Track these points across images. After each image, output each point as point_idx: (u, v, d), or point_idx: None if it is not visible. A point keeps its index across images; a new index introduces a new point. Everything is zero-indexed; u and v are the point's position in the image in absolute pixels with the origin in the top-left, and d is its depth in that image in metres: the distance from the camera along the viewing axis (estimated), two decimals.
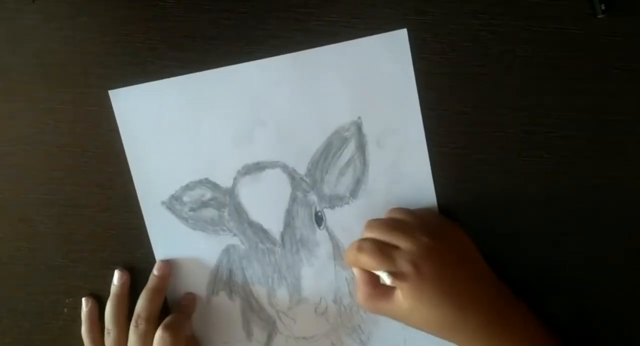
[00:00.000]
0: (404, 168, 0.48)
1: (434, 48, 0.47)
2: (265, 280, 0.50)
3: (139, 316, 0.47)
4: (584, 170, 0.47)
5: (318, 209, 0.49)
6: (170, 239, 0.49)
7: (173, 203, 0.49)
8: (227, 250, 0.50)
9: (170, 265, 0.49)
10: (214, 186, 0.49)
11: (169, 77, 0.48)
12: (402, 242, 0.42)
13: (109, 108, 0.49)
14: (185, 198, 0.49)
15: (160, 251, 0.50)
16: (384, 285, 0.42)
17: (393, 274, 0.41)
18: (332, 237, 0.49)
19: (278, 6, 0.47)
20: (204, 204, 0.49)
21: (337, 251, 0.49)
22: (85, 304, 0.50)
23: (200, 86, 0.48)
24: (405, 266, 0.41)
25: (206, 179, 0.49)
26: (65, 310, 0.51)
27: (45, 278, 0.51)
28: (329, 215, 0.49)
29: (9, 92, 0.49)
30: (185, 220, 0.49)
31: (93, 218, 0.50)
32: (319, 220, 0.49)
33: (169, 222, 0.49)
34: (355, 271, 0.45)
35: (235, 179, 0.49)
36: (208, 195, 0.49)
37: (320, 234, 0.49)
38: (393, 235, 0.43)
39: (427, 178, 0.48)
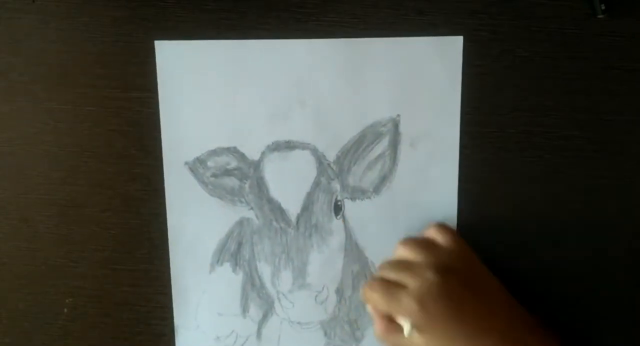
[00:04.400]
0: (432, 174, 0.48)
1: None
2: (272, 259, 0.49)
3: None
4: (584, 170, 0.47)
5: (339, 198, 0.49)
6: (186, 201, 0.49)
7: (196, 166, 0.49)
8: (241, 222, 0.49)
9: None
10: (241, 156, 0.48)
11: None
12: (410, 281, 0.42)
13: (109, 108, 0.49)
14: (210, 163, 0.49)
15: (174, 211, 0.49)
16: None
17: (400, 312, 0.42)
18: (347, 228, 0.49)
19: (278, 6, 0.47)
20: (227, 172, 0.49)
21: (349, 243, 0.49)
22: None
23: (248, 54, 0.47)
24: (411, 305, 0.41)
25: (234, 148, 0.48)
26: (65, 310, 0.51)
27: (45, 278, 0.51)
28: (349, 206, 0.49)
29: (9, 92, 0.49)
30: (205, 184, 0.49)
31: (93, 218, 0.50)
32: (337, 209, 0.49)
33: (189, 183, 0.49)
34: (369, 307, 0.45)
35: (263, 153, 0.48)
36: (233, 164, 0.49)
37: (336, 223, 0.49)
38: (401, 274, 0.43)
39: (453, 189, 0.48)
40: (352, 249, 0.49)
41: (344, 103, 0.47)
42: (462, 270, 0.44)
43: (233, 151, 0.48)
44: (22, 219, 0.50)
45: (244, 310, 0.50)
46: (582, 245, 0.48)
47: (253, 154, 0.48)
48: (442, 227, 0.46)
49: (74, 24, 0.48)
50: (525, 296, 0.47)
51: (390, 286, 0.43)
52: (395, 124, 0.47)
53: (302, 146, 0.48)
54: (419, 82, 0.47)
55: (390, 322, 0.43)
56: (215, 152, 0.49)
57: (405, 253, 0.45)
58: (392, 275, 0.44)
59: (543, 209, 0.48)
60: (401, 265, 0.44)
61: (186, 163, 0.49)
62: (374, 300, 0.44)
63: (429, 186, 0.48)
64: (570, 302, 0.48)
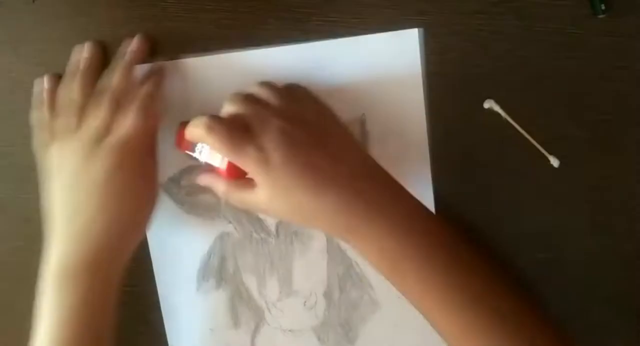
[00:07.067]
0: (404, 169, 0.47)
1: (434, 48, 0.47)
2: (257, 270, 0.49)
3: (111, 88, 0.44)
4: (584, 170, 0.47)
5: None
6: (164, 221, 0.49)
7: (170, 186, 0.49)
8: (221, 237, 0.49)
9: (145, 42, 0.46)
10: None
11: None
12: (256, 125, 0.40)
13: None
14: (183, 182, 0.49)
15: (154, 232, 0.49)
16: (246, 177, 0.41)
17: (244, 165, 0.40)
18: None
19: (278, 6, 0.47)
20: (202, 189, 0.48)
21: (330, 245, 0.49)
22: (47, 81, 0.46)
23: (208, 70, 0.47)
24: (254, 153, 0.39)
25: (206, 164, 0.48)
26: None
27: None
28: None
29: (9, 92, 0.49)
30: (181, 203, 0.49)
31: None
32: None
33: (164, 204, 0.49)
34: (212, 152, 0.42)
35: None
36: None
37: None
38: (250, 117, 0.40)
39: (427, 181, 0.48)
40: (335, 251, 0.49)
41: None
42: (313, 122, 0.42)
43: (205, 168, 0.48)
44: (22, 219, 0.50)
45: (235, 323, 0.50)
46: (582, 245, 0.48)
47: None
48: (298, 84, 0.44)
49: (74, 24, 0.48)
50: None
51: (234, 134, 0.40)
52: (362, 123, 0.47)
53: None
54: (381, 78, 0.47)
55: (234, 177, 0.41)
56: (187, 171, 0.49)
57: (259, 90, 0.42)
58: (238, 111, 0.41)
59: (543, 209, 0.48)
60: (251, 105, 0.41)
61: (160, 184, 0.49)
62: (212, 143, 0.40)
63: (403, 181, 0.47)
64: (570, 302, 0.48)
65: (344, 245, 0.49)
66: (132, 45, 0.46)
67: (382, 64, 0.47)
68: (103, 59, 0.47)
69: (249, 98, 0.42)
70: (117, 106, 0.44)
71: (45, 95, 0.46)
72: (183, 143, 0.44)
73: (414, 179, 0.48)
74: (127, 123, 0.43)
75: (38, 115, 0.46)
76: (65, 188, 0.43)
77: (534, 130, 0.47)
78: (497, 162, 0.48)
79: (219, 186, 0.43)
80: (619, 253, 0.48)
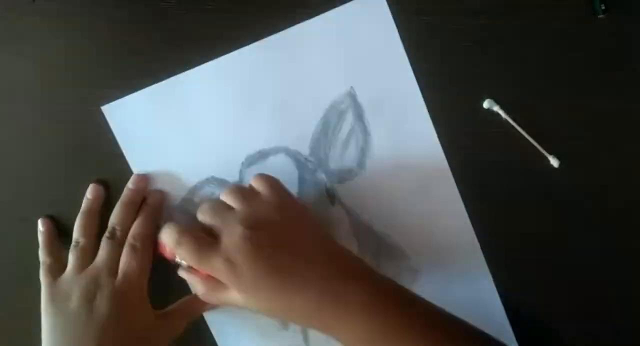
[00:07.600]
0: (406, 129, 0.47)
1: (434, 48, 0.47)
2: None
3: (114, 227, 0.47)
4: (584, 170, 0.47)
5: (328, 186, 0.48)
6: None
7: (186, 206, 0.49)
8: None
9: (146, 178, 0.48)
10: (221, 182, 0.48)
11: (169, 77, 0.48)
12: (222, 235, 0.42)
13: None
14: (196, 199, 0.49)
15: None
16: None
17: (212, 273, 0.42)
18: (348, 212, 0.48)
19: (278, 6, 0.47)
20: None
21: (355, 225, 0.49)
22: (41, 224, 0.49)
23: (188, 85, 0.48)
24: (221, 264, 0.41)
25: (212, 177, 0.48)
26: None
27: None
28: (341, 190, 0.48)
29: (9, 92, 0.49)
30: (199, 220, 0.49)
31: None
32: (331, 196, 0.48)
33: (186, 222, 0.48)
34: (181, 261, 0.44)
35: (241, 172, 0.48)
36: (218, 192, 0.48)
37: (336, 211, 0.48)
38: (216, 227, 0.43)
39: (430, 133, 0.47)
40: (361, 229, 0.49)
41: (296, 96, 0.47)
42: (277, 223, 0.43)
43: (212, 180, 0.48)
44: (22, 219, 0.50)
45: (285, 322, 0.50)
46: (582, 244, 0.48)
47: (232, 175, 0.48)
48: (264, 177, 0.45)
49: (74, 24, 0.48)
50: (523, 296, 0.47)
51: (200, 247, 0.42)
52: (353, 97, 0.47)
53: (274, 151, 0.48)
54: (359, 48, 0.47)
55: (213, 281, 0.43)
56: (196, 188, 0.49)
57: (226, 197, 0.44)
58: (207, 222, 0.43)
59: (542, 209, 0.48)
60: (217, 211, 0.44)
61: (175, 206, 0.49)
62: (183, 256, 0.43)
63: (407, 142, 0.47)
64: (569, 302, 0.48)
65: (367, 220, 0.48)
66: (132, 184, 0.48)
67: (356, 33, 0.47)
68: (105, 198, 0.49)
69: (216, 207, 0.44)
70: (118, 248, 0.47)
71: (43, 237, 0.49)
72: (166, 249, 0.45)
73: (418, 137, 0.47)
74: (126, 268, 0.46)
75: (46, 251, 0.48)
76: (61, 328, 0.44)
77: (534, 130, 0.47)
78: (497, 162, 0.48)
79: (198, 287, 0.45)
80: (619, 253, 0.48)
